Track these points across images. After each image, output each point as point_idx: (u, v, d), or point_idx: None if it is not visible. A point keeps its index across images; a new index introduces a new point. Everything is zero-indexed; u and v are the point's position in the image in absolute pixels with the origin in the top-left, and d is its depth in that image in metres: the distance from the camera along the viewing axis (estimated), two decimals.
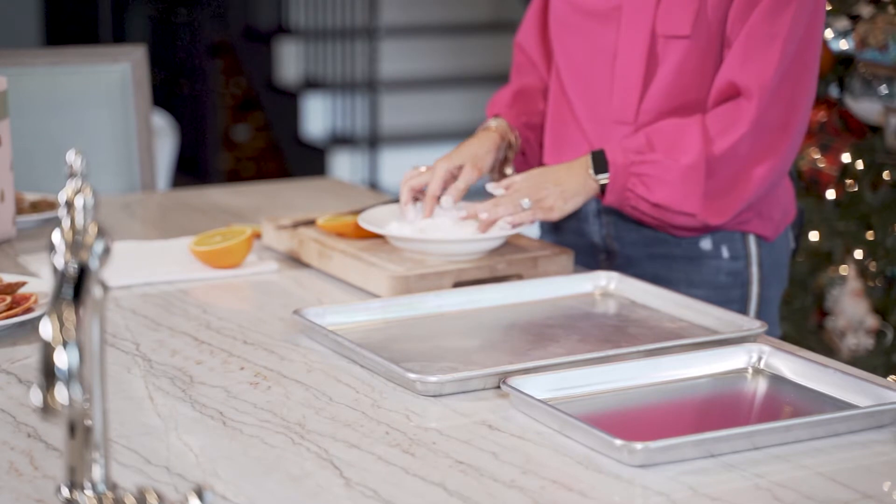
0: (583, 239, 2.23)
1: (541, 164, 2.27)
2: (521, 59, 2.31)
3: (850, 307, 3.29)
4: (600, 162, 2.04)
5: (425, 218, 2.08)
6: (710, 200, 2.03)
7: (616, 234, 2.19)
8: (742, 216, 2.10)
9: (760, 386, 1.65)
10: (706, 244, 2.14)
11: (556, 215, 2.04)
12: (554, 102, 2.23)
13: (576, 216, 2.24)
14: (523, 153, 2.25)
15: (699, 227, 2.08)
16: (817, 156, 3.34)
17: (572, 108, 2.18)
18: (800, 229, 2.27)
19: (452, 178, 2.11)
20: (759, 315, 2.16)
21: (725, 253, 2.14)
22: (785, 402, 1.61)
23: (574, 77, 2.17)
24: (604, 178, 2.04)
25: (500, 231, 2.05)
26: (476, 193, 2.14)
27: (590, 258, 2.20)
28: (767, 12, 2.00)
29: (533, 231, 2.17)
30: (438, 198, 2.09)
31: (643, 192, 2.03)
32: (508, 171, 2.22)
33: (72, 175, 1.12)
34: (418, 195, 2.12)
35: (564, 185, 2.04)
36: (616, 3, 2.09)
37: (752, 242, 2.14)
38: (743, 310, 2.15)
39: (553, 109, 2.23)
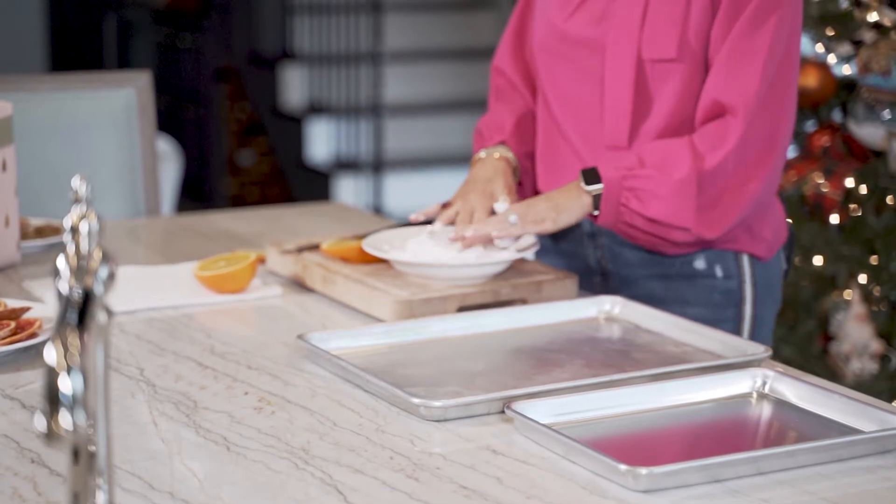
0: (577, 262, 2.23)
1: (535, 192, 2.27)
2: (501, 83, 2.30)
3: (855, 332, 3.28)
4: (591, 176, 2.04)
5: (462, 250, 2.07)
6: (702, 214, 2.03)
7: (610, 256, 2.19)
8: (733, 233, 2.10)
9: (765, 411, 1.64)
10: (700, 263, 2.14)
11: (549, 226, 2.03)
12: (543, 129, 2.22)
13: (570, 239, 2.24)
14: (520, 183, 2.25)
15: (694, 242, 2.08)
16: (821, 180, 3.34)
17: (564, 133, 2.18)
18: (790, 251, 2.27)
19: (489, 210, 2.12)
20: (753, 334, 2.16)
21: (719, 272, 2.15)
22: (789, 427, 1.61)
23: (563, 103, 2.17)
24: (597, 189, 2.03)
25: (504, 255, 2.05)
26: None
27: (585, 281, 2.20)
28: (747, 28, 2.01)
29: (527, 255, 2.16)
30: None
31: (637, 207, 2.03)
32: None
33: (77, 200, 1.12)
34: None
35: (556, 200, 2.04)
36: (600, 29, 2.10)
37: (745, 262, 2.15)
38: (736, 329, 2.15)
39: (543, 136, 2.22)
